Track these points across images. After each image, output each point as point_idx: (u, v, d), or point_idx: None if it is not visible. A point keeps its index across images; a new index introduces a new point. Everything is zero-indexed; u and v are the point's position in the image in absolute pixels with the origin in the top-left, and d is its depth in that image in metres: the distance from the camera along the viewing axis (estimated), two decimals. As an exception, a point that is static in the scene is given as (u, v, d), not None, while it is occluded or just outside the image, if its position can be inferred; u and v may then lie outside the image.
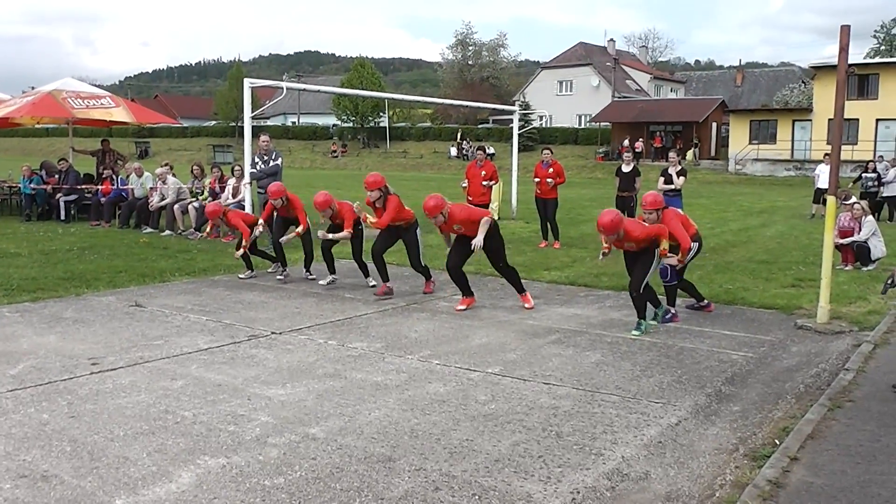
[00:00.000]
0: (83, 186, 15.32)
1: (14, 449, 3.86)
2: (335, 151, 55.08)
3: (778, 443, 4.06)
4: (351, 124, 58.69)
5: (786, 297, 8.13)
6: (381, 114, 57.52)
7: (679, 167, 11.65)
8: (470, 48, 71.69)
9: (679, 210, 7.57)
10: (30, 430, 4.13)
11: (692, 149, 45.24)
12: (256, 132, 12.13)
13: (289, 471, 3.65)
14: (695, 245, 7.16)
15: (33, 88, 19.99)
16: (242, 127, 12.37)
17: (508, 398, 4.81)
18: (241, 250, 8.84)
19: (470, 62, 71.39)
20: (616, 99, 55.20)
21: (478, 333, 6.54)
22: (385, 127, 57.72)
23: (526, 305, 7.58)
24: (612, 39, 67.38)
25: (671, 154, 12.34)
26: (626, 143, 38.82)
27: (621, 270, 7.31)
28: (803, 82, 51.64)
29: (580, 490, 3.51)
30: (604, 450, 3.99)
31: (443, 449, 3.96)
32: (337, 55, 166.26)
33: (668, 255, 6.65)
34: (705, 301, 7.55)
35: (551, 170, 12.38)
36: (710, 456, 3.96)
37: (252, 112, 11.84)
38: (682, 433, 4.27)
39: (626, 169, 12.25)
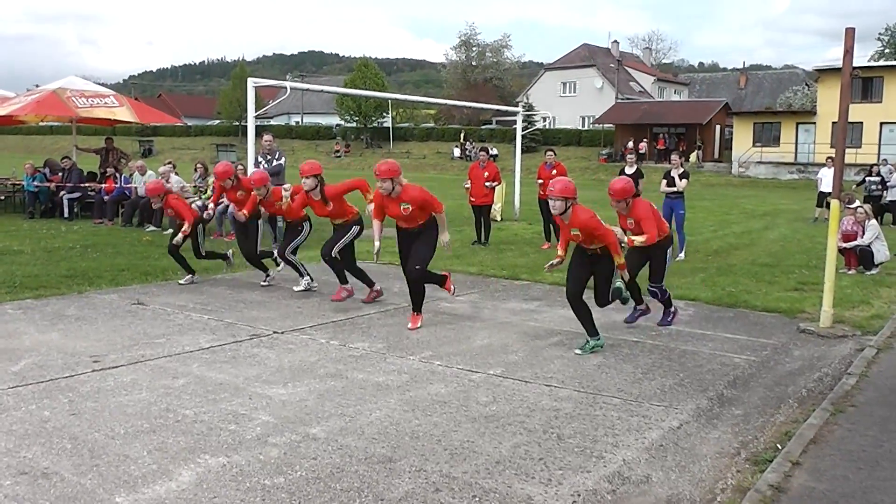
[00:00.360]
0: (86, 184, 15.35)
1: (15, 446, 3.86)
2: (338, 151, 55.10)
3: (780, 447, 4.05)
4: (354, 124, 58.71)
5: (789, 301, 8.11)
6: (385, 114, 57.54)
7: (682, 169, 11.62)
8: (473, 49, 71.63)
9: (653, 205, 6.86)
10: (31, 427, 4.13)
11: (695, 151, 45.20)
12: (260, 131, 12.16)
13: (289, 470, 3.65)
14: (668, 249, 6.70)
15: (37, 87, 20.04)
16: (246, 126, 12.39)
17: (510, 400, 4.80)
18: (181, 236, 8.47)
19: (473, 63, 71.31)
20: (619, 100, 55.14)
21: (479, 335, 6.54)
22: (388, 127, 57.72)
23: (409, 325, 6.71)
24: (615, 41, 67.20)
25: (673, 156, 12.28)
26: (630, 144, 38.80)
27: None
28: (807, 85, 51.52)
29: (581, 493, 3.50)
30: (605, 453, 3.98)
31: (443, 450, 3.95)
32: (340, 55, 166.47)
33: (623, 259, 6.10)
34: (643, 305, 6.94)
35: (554, 171, 12.37)
36: (712, 460, 3.95)
37: (255, 111, 11.86)
38: (684, 436, 4.26)
39: (628, 171, 12.20)
